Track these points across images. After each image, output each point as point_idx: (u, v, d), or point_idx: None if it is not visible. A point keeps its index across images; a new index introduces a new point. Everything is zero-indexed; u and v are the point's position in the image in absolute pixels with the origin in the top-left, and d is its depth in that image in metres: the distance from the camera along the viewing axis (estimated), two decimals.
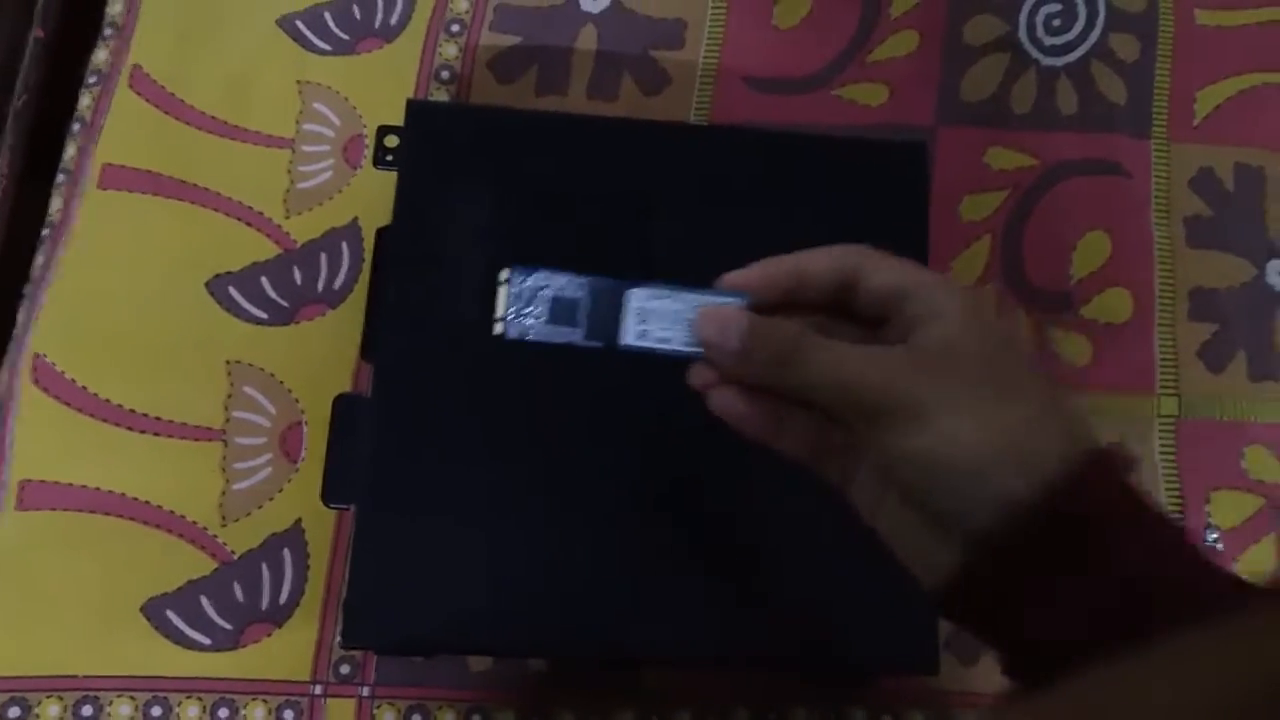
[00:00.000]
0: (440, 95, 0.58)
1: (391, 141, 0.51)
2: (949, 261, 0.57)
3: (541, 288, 0.31)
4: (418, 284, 0.47)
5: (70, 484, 0.50)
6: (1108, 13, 0.61)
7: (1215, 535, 0.54)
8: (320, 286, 0.54)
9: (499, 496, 0.45)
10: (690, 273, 0.49)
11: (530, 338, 0.31)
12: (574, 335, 0.31)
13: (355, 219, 0.55)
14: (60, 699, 0.47)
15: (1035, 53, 0.61)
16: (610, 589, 0.45)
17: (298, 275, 0.54)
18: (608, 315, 0.30)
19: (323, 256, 0.55)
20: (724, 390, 0.31)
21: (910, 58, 0.61)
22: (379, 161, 0.51)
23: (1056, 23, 0.61)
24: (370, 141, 0.56)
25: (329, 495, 0.46)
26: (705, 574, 0.45)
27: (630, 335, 0.30)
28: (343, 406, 0.47)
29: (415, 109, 0.50)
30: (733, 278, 0.31)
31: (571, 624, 0.44)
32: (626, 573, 0.45)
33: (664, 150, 0.51)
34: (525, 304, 0.31)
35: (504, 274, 0.31)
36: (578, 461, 0.46)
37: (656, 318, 0.30)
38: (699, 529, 0.46)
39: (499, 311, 0.31)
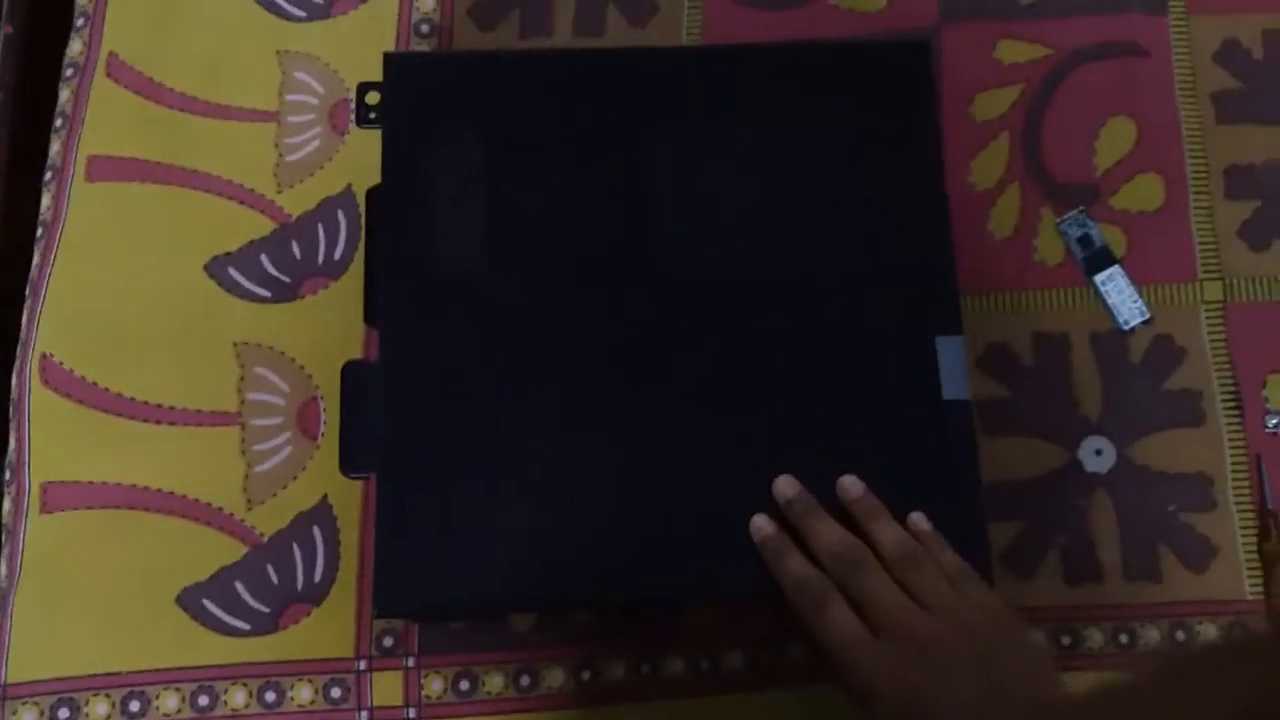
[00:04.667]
0: (422, 49, 0.56)
1: (373, 98, 0.49)
2: (967, 162, 0.55)
3: None
4: (412, 241, 0.46)
5: (91, 482, 0.49)
6: None
7: (1276, 420, 0.51)
8: (320, 259, 0.53)
9: (518, 448, 0.44)
10: (690, 202, 0.47)
11: None
12: None
13: (349, 185, 0.54)
14: (107, 696, 0.47)
15: None
16: (640, 531, 0.43)
17: (296, 249, 0.53)
18: None
19: (320, 228, 0.53)
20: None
21: None
22: (362, 120, 0.49)
23: None
24: (355, 105, 0.54)
25: (347, 465, 0.45)
26: (735, 506, 0.43)
27: None
28: (352, 374, 0.46)
29: (393, 62, 0.49)
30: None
31: (604, 571, 0.43)
32: (655, 513, 0.44)
33: (655, 77, 0.49)
34: None
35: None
36: (595, 404, 0.44)
37: None
38: (724, 459, 0.44)
39: None
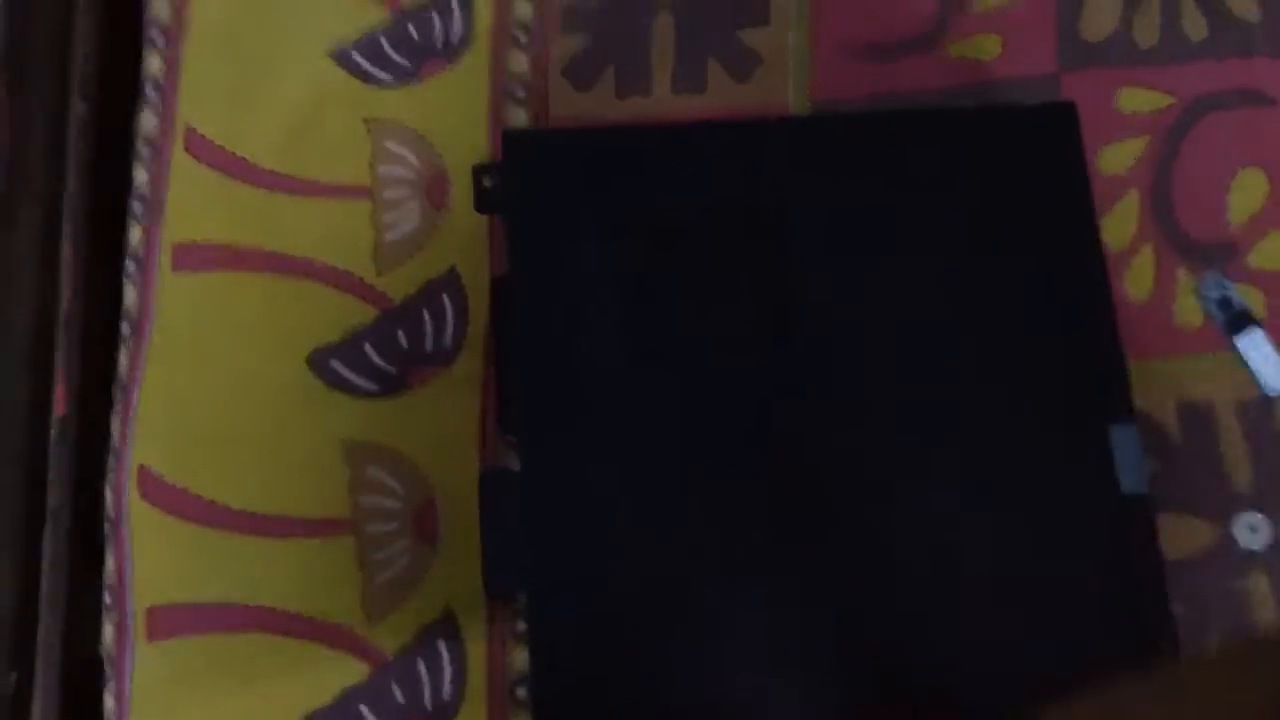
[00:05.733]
0: (519, 114, 0.53)
1: (489, 180, 0.46)
2: None
3: None
4: (551, 339, 0.43)
5: (201, 604, 0.46)
6: None
7: None
8: (429, 346, 0.50)
9: (681, 568, 0.41)
10: (835, 283, 0.45)
11: None
12: None
13: (453, 267, 0.51)
14: None
15: None
16: (816, 658, 0.41)
17: (402, 337, 0.50)
18: None
19: (425, 313, 0.50)
20: None
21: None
22: (482, 206, 0.46)
23: None
24: (453, 177, 0.51)
25: (494, 586, 0.42)
26: (919, 614, 0.41)
27: None
28: (491, 485, 0.43)
29: (512, 140, 0.46)
30: None
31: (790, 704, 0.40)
32: (832, 636, 0.41)
33: (792, 149, 0.47)
34: None
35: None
36: (760, 516, 0.42)
37: None
38: (900, 568, 0.42)
39: None
